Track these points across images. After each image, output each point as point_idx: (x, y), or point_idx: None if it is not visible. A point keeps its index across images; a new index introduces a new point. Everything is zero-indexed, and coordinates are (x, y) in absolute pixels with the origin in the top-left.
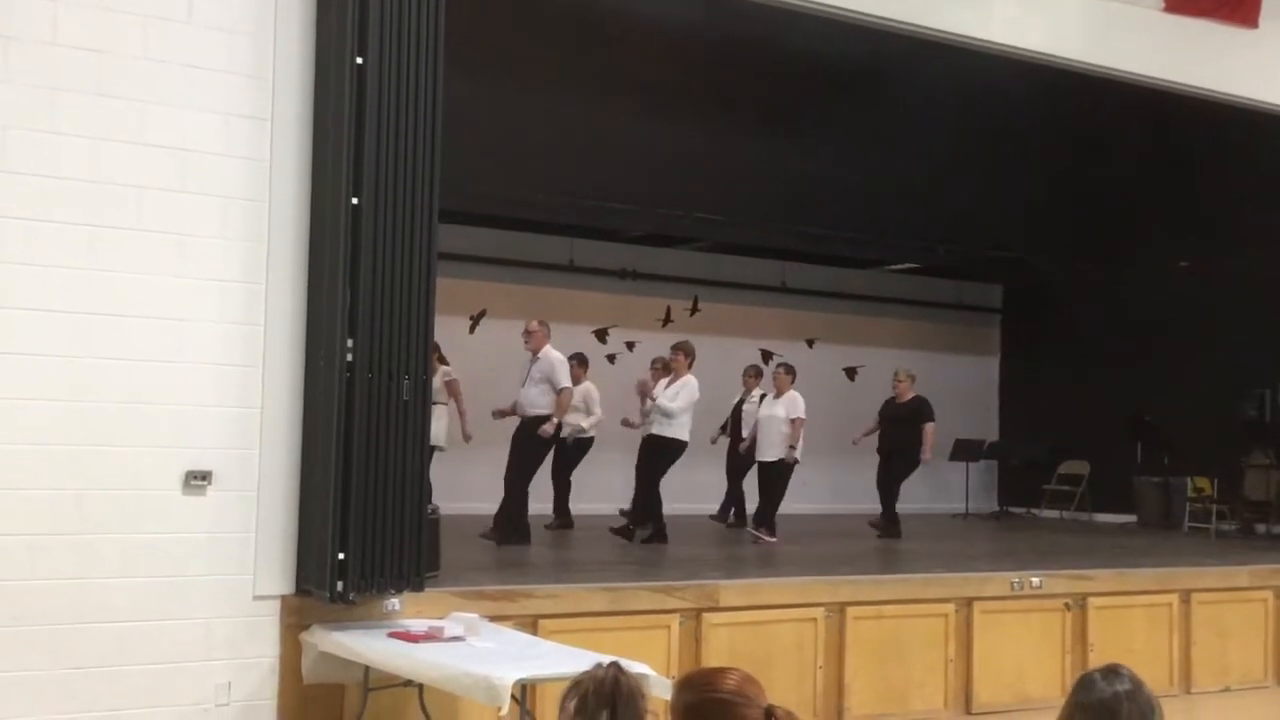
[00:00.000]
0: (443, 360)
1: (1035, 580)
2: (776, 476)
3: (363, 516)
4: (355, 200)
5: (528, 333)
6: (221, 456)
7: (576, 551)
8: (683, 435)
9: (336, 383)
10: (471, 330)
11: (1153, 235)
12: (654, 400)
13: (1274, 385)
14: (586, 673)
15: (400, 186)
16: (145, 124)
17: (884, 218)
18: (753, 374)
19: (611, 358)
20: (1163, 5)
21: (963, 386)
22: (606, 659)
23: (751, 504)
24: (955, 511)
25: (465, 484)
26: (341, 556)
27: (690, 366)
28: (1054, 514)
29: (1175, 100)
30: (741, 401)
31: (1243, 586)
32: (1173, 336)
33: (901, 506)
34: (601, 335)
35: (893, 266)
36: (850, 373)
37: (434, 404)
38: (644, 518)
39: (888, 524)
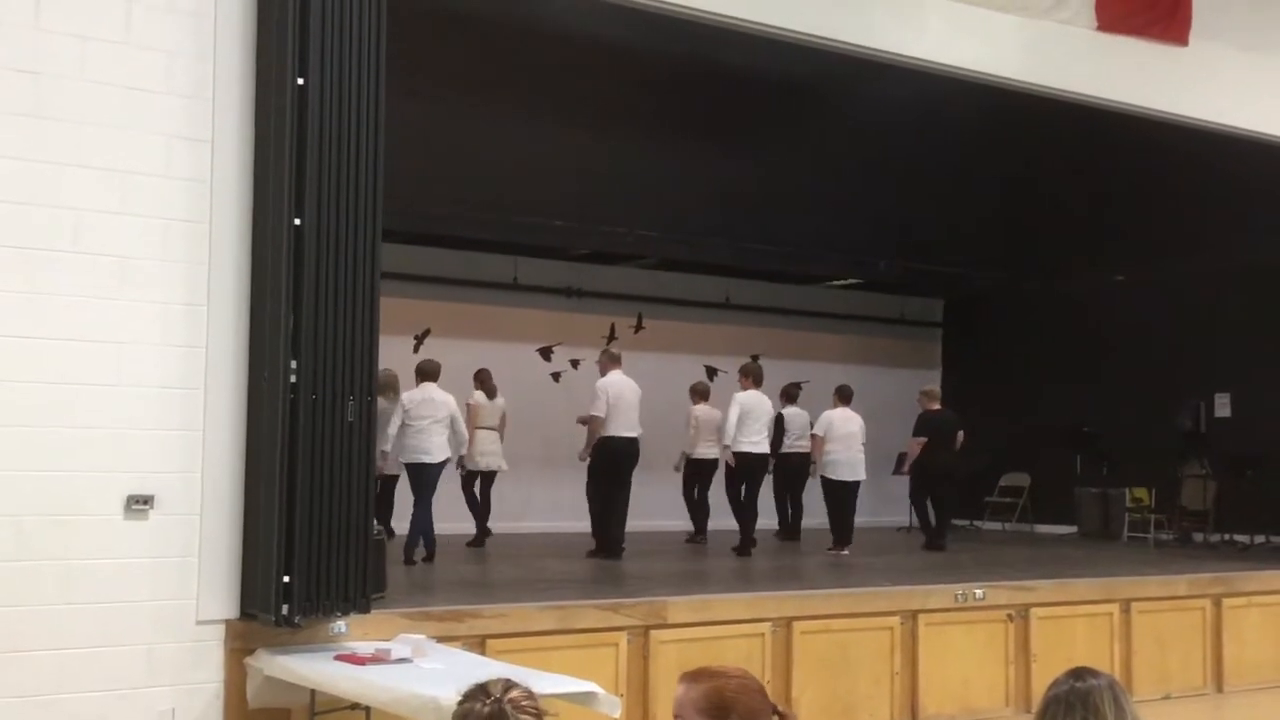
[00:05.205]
0: (492, 393)
1: (978, 592)
2: (828, 492)
3: (308, 539)
4: (298, 221)
5: (599, 363)
6: (164, 480)
7: (523, 570)
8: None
9: (280, 404)
10: (416, 350)
11: (1089, 249)
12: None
13: (1209, 397)
14: (471, 711)
15: (343, 207)
16: (83, 146)
17: (826, 233)
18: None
19: (556, 376)
20: (1095, 24)
21: (905, 400)
22: (498, 670)
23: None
24: (899, 525)
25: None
26: (287, 579)
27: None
28: (996, 526)
29: (1109, 116)
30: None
31: (1181, 595)
32: (1110, 349)
33: None
34: (546, 353)
35: (835, 282)
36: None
37: (488, 429)
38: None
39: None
